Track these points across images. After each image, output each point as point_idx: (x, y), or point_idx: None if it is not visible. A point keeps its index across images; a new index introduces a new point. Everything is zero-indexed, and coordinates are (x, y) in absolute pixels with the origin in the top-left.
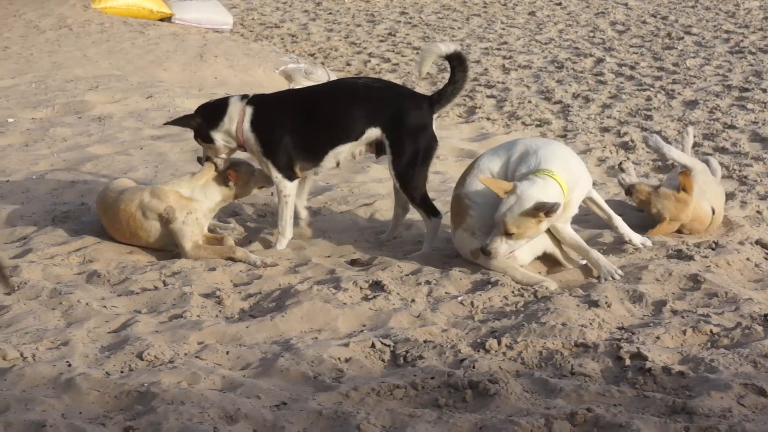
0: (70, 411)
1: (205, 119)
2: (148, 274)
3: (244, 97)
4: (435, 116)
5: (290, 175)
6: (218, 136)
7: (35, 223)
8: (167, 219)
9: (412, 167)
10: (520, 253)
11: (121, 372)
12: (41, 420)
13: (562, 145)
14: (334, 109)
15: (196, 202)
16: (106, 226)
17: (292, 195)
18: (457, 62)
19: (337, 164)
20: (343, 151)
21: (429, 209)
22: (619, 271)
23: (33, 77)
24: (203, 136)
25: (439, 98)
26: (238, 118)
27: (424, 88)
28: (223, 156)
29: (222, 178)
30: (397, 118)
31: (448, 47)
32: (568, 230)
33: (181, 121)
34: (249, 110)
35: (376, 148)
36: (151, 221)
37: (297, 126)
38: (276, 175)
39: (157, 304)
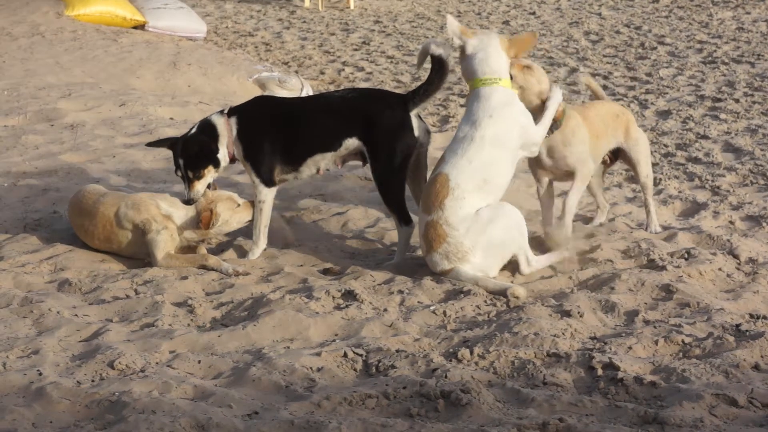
0: (40, 420)
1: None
2: (119, 282)
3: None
4: (413, 114)
5: (268, 181)
6: None
7: (6, 230)
8: (143, 230)
9: (390, 170)
10: (489, 268)
11: (92, 381)
12: (11, 429)
13: None
14: (312, 123)
15: (173, 223)
16: (77, 228)
17: (268, 202)
18: (437, 65)
19: (318, 171)
20: (323, 159)
21: (403, 217)
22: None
23: (5, 84)
24: None
25: (413, 97)
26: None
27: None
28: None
29: (197, 220)
30: (372, 123)
31: (437, 49)
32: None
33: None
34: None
35: (361, 156)
36: (126, 230)
37: (277, 130)
38: (255, 179)
39: (128, 312)
